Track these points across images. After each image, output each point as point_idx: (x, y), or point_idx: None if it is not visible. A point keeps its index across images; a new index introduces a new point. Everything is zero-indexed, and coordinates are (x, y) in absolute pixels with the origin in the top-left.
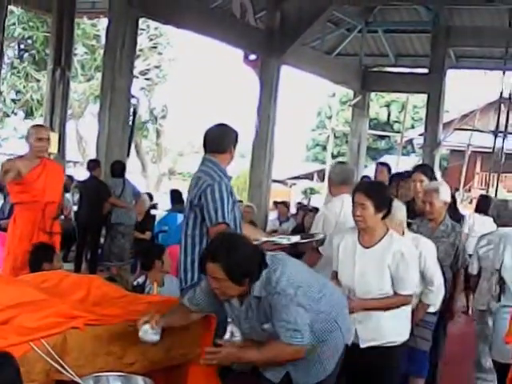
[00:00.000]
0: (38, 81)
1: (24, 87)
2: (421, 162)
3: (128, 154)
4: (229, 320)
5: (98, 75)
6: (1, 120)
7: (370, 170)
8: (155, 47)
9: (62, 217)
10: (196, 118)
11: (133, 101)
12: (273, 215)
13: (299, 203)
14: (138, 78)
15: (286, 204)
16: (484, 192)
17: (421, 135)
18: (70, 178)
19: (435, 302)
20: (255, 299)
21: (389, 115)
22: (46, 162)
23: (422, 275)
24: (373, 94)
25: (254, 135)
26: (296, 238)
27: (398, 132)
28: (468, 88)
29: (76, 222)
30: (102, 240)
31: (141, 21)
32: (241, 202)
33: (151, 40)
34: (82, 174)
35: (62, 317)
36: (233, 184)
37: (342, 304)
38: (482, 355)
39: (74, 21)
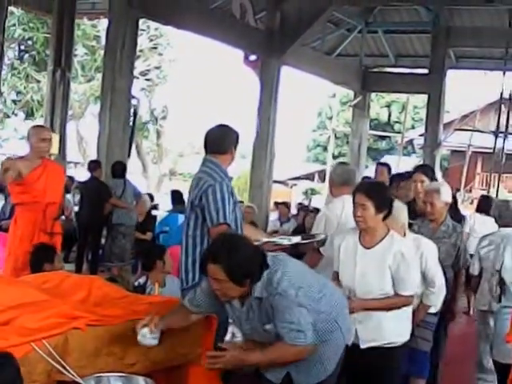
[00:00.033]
0: (39, 82)
1: (24, 88)
2: (421, 163)
3: (129, 155)
4: (230, 321)
5: (99, 76)
6: (1, 121)
7: (370, 171)
8: (155, 48)
9: (63, 217)
10: (196, 118)
11: (133, 101)
12: (273, 216)
13: (300, 204)
14: (138, 78)
15: (286, 204)
16: (485, 192)
17: (421, 136)
18: (71, 178)
19: (436, 302)
20: (256, 300)
21: (389, 116)
22: (46, 163)
23: (423, 276)
24: (373, 95)
25: (255, 136)
26: (297, 239)
27: (399, 132)
28: (468, 88)
29: (77, 223)
30: (102, 241)
31: (141, 21)
32: (242, 202)
33: (151, 41)
34: (82, 174)
35: (64, 317)
36: (233, 185)
37: (342, 304)
38: (483, 356)
39: (74, 21)
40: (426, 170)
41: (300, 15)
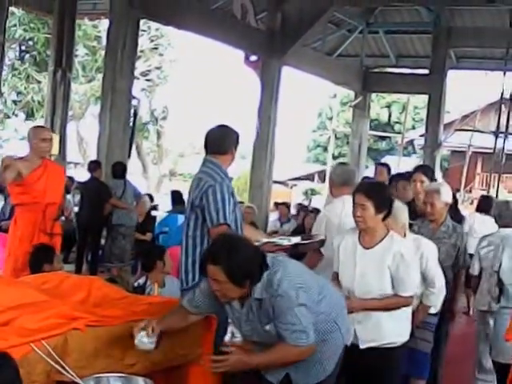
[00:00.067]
0: (39, 82)
1: (25, 88)
2: (422, 163)
3: (129, 155)
4: (229, 321)
5: (99, 76)
6: (2, 121)
7: (370, 171)
8: (156, 48)
9: (63, 218)
10: (197, 119)
11: (134, 102)
12: (273, 216)
13: (299, 204)
14: (138, 79)
15: (286, 205)
16: (485, 193)
17: (422, 136)
18: (71, 179)
19: (436, 303)
20: (256, 301)
21: (389, 116)
22: (46, 164)
23: (423, 276)
24: (373, 95)
25: (255, 136)
26: (297, 239)
27: (399, 133)
28: (469, 89)
29: (77, 224)
30: (102, 241)
31: (142, 22)
32: (241, 203)
33: (152, 41)
34: (82, 175)
35: (63, 318)
36: (233, 185)
37: (341, 305)
38: (482, 356)
39: (74, 22)
40: (426, 169)
41: (301, 16)
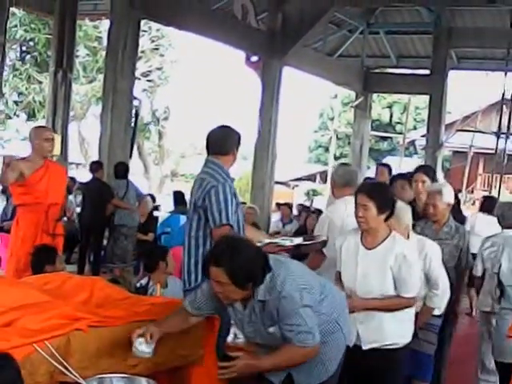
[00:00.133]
0: (40, 83)
1: (26, 89)
2: (423, 163)
3: (130, 156)
4: (232, 322)
5: (100, 77)
6: (3, 122)
7: (372, 172)
8: (157, 49)
9: (65, 219)
10: (198, 119)
11: (135, 102)
12: (275, 217)
13: (301, 205)
14: (139, 79)
15: (289, 206)
16: (487, 193)
17: (423, 136)
18: (73, 179)
19: (440, 305)
20: (259, 303)
21: (391, 116)
22: (48, 164)
23: (426, 278)
24: (375, 96)
25: (257, 137)
26: (299, 240)
27: (400, 133)
28: (470, 89)
29: (79, 224)
30: (104, 242)
31: (142, 22)
32: (243, 203)
33: (153, 42)
34: (84, 175)
35: (66, 318)
36: (235, 186)
37: (343, 305)
38: (485, 356)
39: (75, 22)
40: (427, 170)
41: (302, 16)
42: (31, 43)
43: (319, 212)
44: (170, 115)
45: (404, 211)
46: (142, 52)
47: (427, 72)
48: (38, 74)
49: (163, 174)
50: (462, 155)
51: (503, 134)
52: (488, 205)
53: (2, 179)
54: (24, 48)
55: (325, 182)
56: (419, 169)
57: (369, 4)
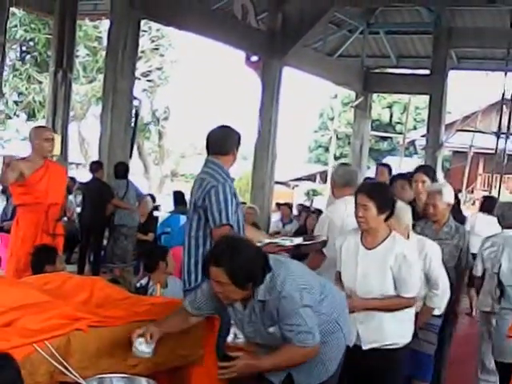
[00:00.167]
0: (40, 83)
1: (26, 89)
2: (423, 163)
3: (130, 156)
4: (232, 322)
5: (100, 77)
6: (3, 122)
7: (372, 172)
8: (157, 49)
9: (65, 219)
10: (198, 119)
11: (135, 102)
12: (275, 217)
13: (300, 205)
14: (139, 79)
15: (289, 205)
16: (487, 193)
17: (423, 136)
18: (73, 179)
19: (440, 305)
20: (259, 303)
21: (391, 116)
22: (48, 164)
23: (426, 278)
24: (375, 96)
25: (257, 137)
26: (299, 240)
27: (401, 133)
28: (470, 89)
29: (79, 224)
30: (104, 242)
31: (142, 22)
32: (243, 203)
33: (153, 42)
34: (84, 175)
35: (66, 318)
36: (235, 186)
37: (343, 305)
38: (485, 357)
39: (75, 23)
40: (427, 169)
41: (302, 16)
42: (31, 43)
43: (319, 212)
44: (169, 115)
45: (404, 211)
46: (142, 52)
47: (427, 72)
48: (38, 73)
49: (163, 174)
50: (462, 155)
51: (503, 133)
52: (488, 205)
53: (2, 179)
54: (24, 48)
55: (325, 182)
56: (419, 169)
57: (369, 4)
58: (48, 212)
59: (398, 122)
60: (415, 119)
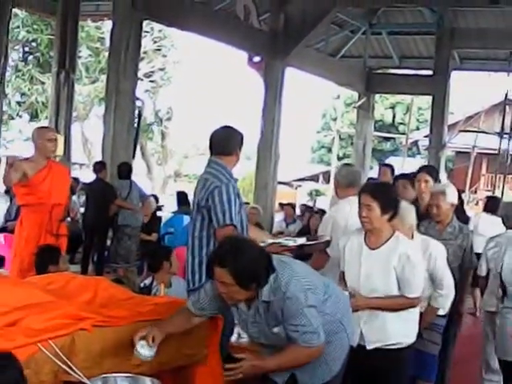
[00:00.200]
0: (43, 83)
1: (29, 90)
2: (426, 164)
3: (133, 156)
4: (236, 322)
5: (103, 77)
6: (6, 122)
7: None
8: (159, 49)
9: (69, 219)
10: (201, 120)
11: (137, 103)
12: (278, 217)
13: (304, 205)
14: (142, 80)
15: (292, 206)
16: (490, 194)
17: (426, 137)
18: (76, 180)
19: (445, 305)
20: (264, 304)
21: (394, 117)
22: (51, 164)
23: (431, 278)
24: (377, 96)
25: (259, 137)
26: (302, 240)
27: (403, 134)
28: (472, 90)
29: (83, 224)
30: (108, 242)
31: (145, 23)
32: (247, 203)
33: (155, 42)
34: (87, 176)
35: (70, 318)
36: (238, 186)
37: (346, 305)
38: (489, 356)
39: (78, 23)
40: (430, 170)
41: (304, 17)
42: (34, 44)
43: (322, 212)
44: (172, 116)
45: (408, 211)
46: (145, 53)
47: (430, 73)
48: (41, 74)
49: (166, 175)
50: (465, 155)
51: (506, 134)
52: (491, 205)
53: (5, 180)
54: (26, 49)
55: (328, 182)
56: (422, 169)
57: (371, 4)
58: (51, 212)
59: (401, 123)
60: (418, 120)
